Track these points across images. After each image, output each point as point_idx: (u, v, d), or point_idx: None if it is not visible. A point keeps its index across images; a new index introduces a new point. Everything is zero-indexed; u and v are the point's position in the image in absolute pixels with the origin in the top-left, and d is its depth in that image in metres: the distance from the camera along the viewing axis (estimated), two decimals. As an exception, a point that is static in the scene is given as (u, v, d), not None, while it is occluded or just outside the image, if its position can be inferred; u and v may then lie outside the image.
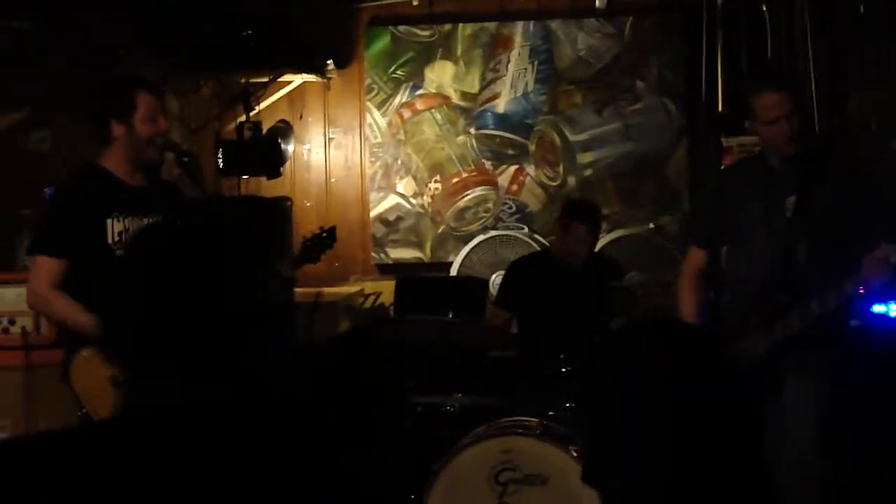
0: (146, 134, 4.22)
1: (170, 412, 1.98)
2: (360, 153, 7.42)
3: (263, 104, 7.11)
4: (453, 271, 7.11)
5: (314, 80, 7.24)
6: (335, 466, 2.07)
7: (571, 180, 7.20)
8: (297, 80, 7.26)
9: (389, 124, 7.32)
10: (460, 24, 7.29)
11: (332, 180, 7.44)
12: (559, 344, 5.24)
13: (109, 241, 4.19)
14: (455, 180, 7.29)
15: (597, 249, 6.40)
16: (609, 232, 6.98)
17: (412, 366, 5.54)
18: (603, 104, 7.20)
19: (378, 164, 7.34)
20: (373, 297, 6.85)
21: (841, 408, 4.24)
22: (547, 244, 6.74)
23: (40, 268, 4.20)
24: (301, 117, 7.36)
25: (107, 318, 4.17)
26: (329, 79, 7.27)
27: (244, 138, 6.63)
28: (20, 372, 5.57)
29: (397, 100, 7.32)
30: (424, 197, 7.31)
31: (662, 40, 7.15)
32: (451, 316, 5.51)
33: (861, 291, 4.00)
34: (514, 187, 7.26)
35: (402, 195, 7.32)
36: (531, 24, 7.23)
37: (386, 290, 6.85)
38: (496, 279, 6.76)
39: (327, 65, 7.08)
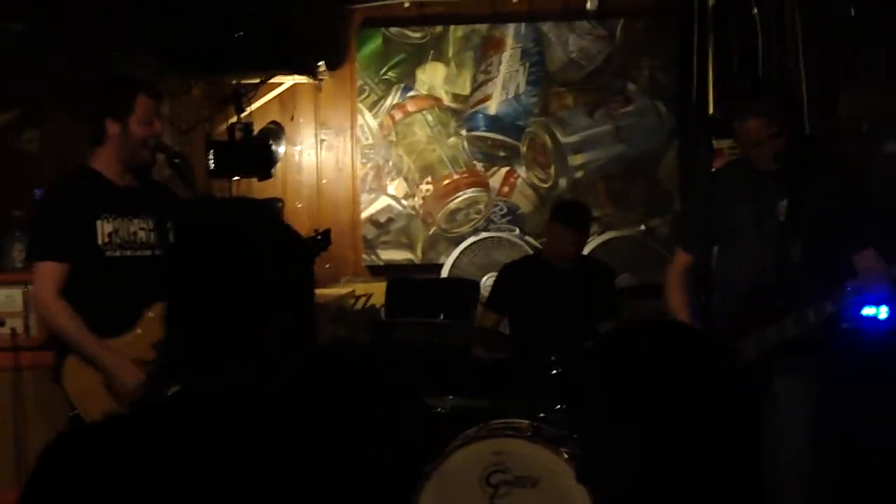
0: (140, 136, 4.23)
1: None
2: (352, 154, 7.42)
3: (254, 105, 7.11)
4: (444, 273, 7.10)
5: (306, 81, 7.23)
6: (329, 467, 2.07)
7: (563, 182, 7.21)
8: (288, 81, 7.25)
9: (381, 126, 7.32)
10: (452, 26, 7.28)
11: (324, 181, 7.44)
12: (550, 346, 5.24)
13: (99, 241, 4.19)
14: (446, 182, 7.29)
15: (588, 252, 6.43)
16: (600, 234, 6.98)
17: (403, 367, 5.55)
18: (594, 106, 7.20)
19: (369, 165, 7.34)
20: (364, 299, 6.84)
21: (831, 408, 4.26)
22: (539, 246, 6.74)
23: (43, 274, 4.19)
24: (292, 119, 7.35)
25: (95, 318, 4.18)
26: (320, 80, 7.27)
27: (235, 139, 6.63)
28: (9, 373, 5.56)
29: (389, 101, 7.31)
30: (416, 198, 7.31)
31: (654, 43, 7.16)
32: (441, 318, 5.51)
33: (858, 300, 4.00)
34: (506, 189, 7.26)
35: (393, 197, 7.32)
36: (522, 26, 7.23)
37: (377, 291, 6.84)
38: (487, 281, 6.76)
39: (319, 66, 7.08)
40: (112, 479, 1.89)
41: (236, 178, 6.78)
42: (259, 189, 7.00)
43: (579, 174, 7.21)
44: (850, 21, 5.92)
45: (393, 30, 7.30)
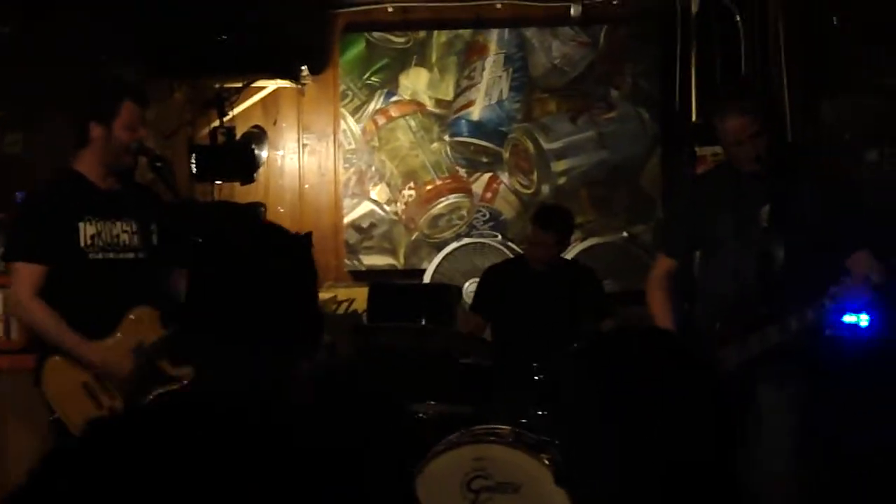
0: (123, 140, 4.22)
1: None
2: (334, 159, 7.40)
3: (237, 109, 7.09)
4: (426, 278, 7.10)
5: (288, 85, 7.22)
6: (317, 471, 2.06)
7: (545, 188, 7.21)
8: (271, 85, 7.23)
9: (363, 131, 7.30)
10: (435, 32, 7.28)
11: (306, 186, 7.42)
12: (532, 351, 5.25)
13: (81, 244, 4.18)
14: (429, 187, 7.28)
15: (570, 257, 6.44)
16: (583, 240, 6.98)
17: (384, 373, 5.54)
18: (577, 112, 7.20)
19: (352, 170, 7.32)
20: (346, 304, 6.83)
21: (813, 415, 4.27)
22: (521, 252, 6.74)
23: (20, 274, 4.18)
24: (275, 123, 7.34)
25: (77, 320, 4.16)
26: (303, 84, 7.25)
27: (218, 143, 6.61)
28: (-11, 377, 5.54)
29: (371, 106, 7.30)
30: (398, 204, 7.30)
31: (637, 49, 7.16)
32: (423, 323, 5.51)
33: (839, 307, 4.01)
34: (488, 195, 7.26)
35: (375, 202, 7.31)
36: (506, 31, 7.23)
37: (359, 296, 6.84)
38: (469, 287, 6.76)
39: (302, 70, 7.06)
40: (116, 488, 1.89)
41: (218, 182, 6.76)
42: (241, 193, 6.98)
43: (562, 180, 7.21)
44: (834, 28, 5.94)
45: (376, 35, 7.29)
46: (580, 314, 5.66)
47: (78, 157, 4.29)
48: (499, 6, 7.25)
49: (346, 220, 7.31)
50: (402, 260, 7.29)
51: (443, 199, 7.27)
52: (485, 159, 7.25)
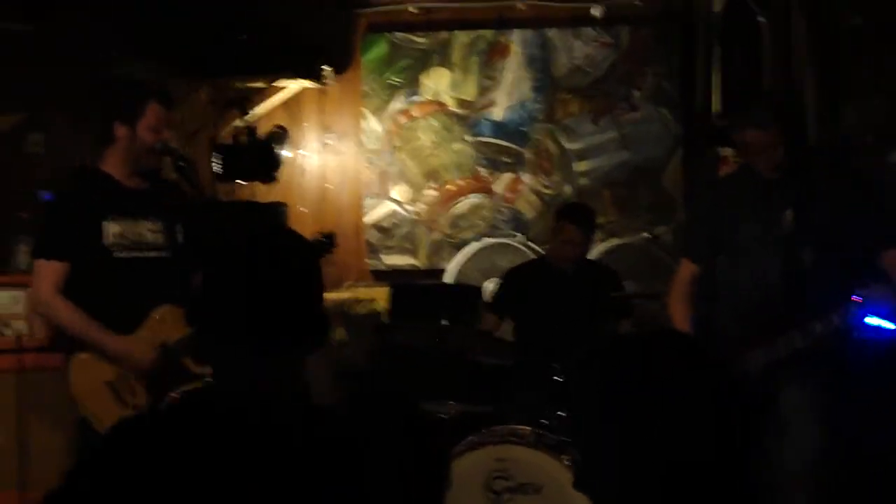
0: (147, 141, 4.24)
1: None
2: (356, 159, 7.41)
3: (259, 109, 7.11)
4: (448, 279, 7.10)
5: (311, 85, 7.23)
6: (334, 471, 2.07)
7: (567, 189, 7.21)
8: (293, 85, 7.25)
9: (385, 131, 7.32)
10: (457, 32, 7.29)
11: (328, 186, 7.43)
12: (553, 352, 5.23)
13: (106, 242, 4.20)
14: (450, 187, 7.29)
15: (592, 258, 6.42)
16: (604, 241, 6.98)
17: (405, 372, 5.55)
18: (599, 113, 7.20)
19: (374, 170, 7.34)
20: (367, 304, 6.84)
21: (836, 415, 4.26)
22: (542, 252, 6.73)
23: (42, 271, 4.20)
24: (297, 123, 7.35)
25: (102, 319, 4.18)
26: (326, 84, 7.26)
27: (240, 143, 6.62)
28: (13, 375, 5.57)
29: (394, 106, 7.32)
30: (419, 204, 7.31)
31: (659, 50, 7.16)
32: (444, 322, 5.51)
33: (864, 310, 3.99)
34: (510, 195, 7.26)
35: (397, 202, 7.32)
36: (528, 32, 7.24)
37: (380, 296, 6.85)
38: (490, 287, 6.75)
39: (324, 70, 7.07)
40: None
41: (241, 181, 6.78)
42: (263, 193, 6.99)
43: (584, 181, 7.21)
44: (858, 30, 5.91)
45: (398, 35, 7.31)
46: (601, 315, 5.64)
47: (103, 155, 4.31)
48: (521, 6, 7.25)
49: (368, 219, 7.32)
50: (423, 260, 7.30)
51: (464, 199, 7.28)
52: (506, 159, 7.26)
